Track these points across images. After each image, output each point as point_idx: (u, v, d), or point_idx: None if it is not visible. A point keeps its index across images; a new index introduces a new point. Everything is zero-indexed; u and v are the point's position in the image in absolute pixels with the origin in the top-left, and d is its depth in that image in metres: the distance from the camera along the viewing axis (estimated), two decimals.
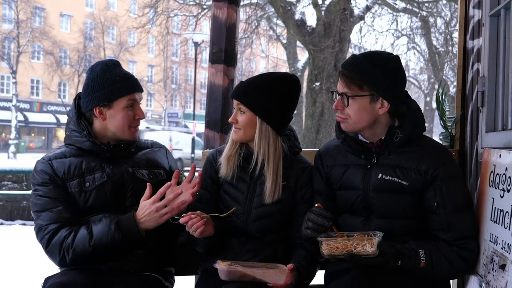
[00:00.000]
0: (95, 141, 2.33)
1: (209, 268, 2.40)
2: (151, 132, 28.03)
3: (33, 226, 2.33)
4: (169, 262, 2.50)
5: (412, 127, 2.20)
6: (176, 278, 2.60)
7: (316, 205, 2.16)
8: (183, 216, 2.20)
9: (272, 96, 2.35)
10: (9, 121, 32.36)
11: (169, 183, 2.30)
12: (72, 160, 2.33)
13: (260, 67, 44.88)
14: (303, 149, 2.55)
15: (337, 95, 2.21)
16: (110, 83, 2.32)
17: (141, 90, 2.43)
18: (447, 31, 18.00)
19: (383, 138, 2.21)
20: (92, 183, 2.31)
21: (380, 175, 2.19)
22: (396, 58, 2.22)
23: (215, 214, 2.32)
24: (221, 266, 2.19)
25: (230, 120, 2.40)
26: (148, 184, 2.30)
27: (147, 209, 2.24)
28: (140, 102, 2.43)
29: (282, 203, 2.37)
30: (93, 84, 2.34)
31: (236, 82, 3.31)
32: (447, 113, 3.04)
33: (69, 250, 2.22)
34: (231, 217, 2.39)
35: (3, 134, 37.31)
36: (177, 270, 2.64)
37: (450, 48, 18.20)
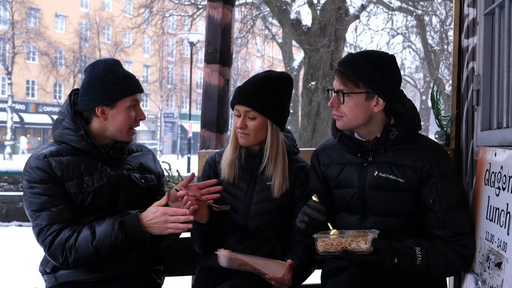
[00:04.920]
0: (93, 142, 2.28)
1: (207, 266, 2.41)
2: None
3: (31, 227, 2.25)
4: (158, 261, 2.48)
5: (408, 125, 2.21)
6: (173, 278, 2.60)
7: (313, 197, 2.17)
8: (181, 189, 2.26)
9: (278, 97, 2.37)
10: (5, 122, 32.27)
11: (182, 192, 2.25)
12: (70, 160, 2.25)
13: (256, 66, 44.86)
14: (299, 149, 2.55)
15: (333, 93, 2.23)
16: (114, 82, 2.28)
17: (142, 91, 2.40)
18: (442, 29, 18.07)
19: (378, 136, 2.22)
20: (91, 185, 2.26)
21: (376, 172, 2.20)
22: (392, 57, 2.23)
23: (210, 204, 2.33)
24: (223, 252, 2.23)
25: (238, 126, 2.34)
26: (166, 193, 2.28)
27: (157, 217, 2.20)
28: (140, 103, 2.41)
29: (281, 200, 2.38)
30: (95, 82, 2.28)
31: (232, 82, 3.31)
32: (442, 111, 3.05)
33: (71, 251, 2.15)
34: (230, 213, 2.39)
35: None
36: (173, 270, 2.64)
37: (445, 46, 18.26)
